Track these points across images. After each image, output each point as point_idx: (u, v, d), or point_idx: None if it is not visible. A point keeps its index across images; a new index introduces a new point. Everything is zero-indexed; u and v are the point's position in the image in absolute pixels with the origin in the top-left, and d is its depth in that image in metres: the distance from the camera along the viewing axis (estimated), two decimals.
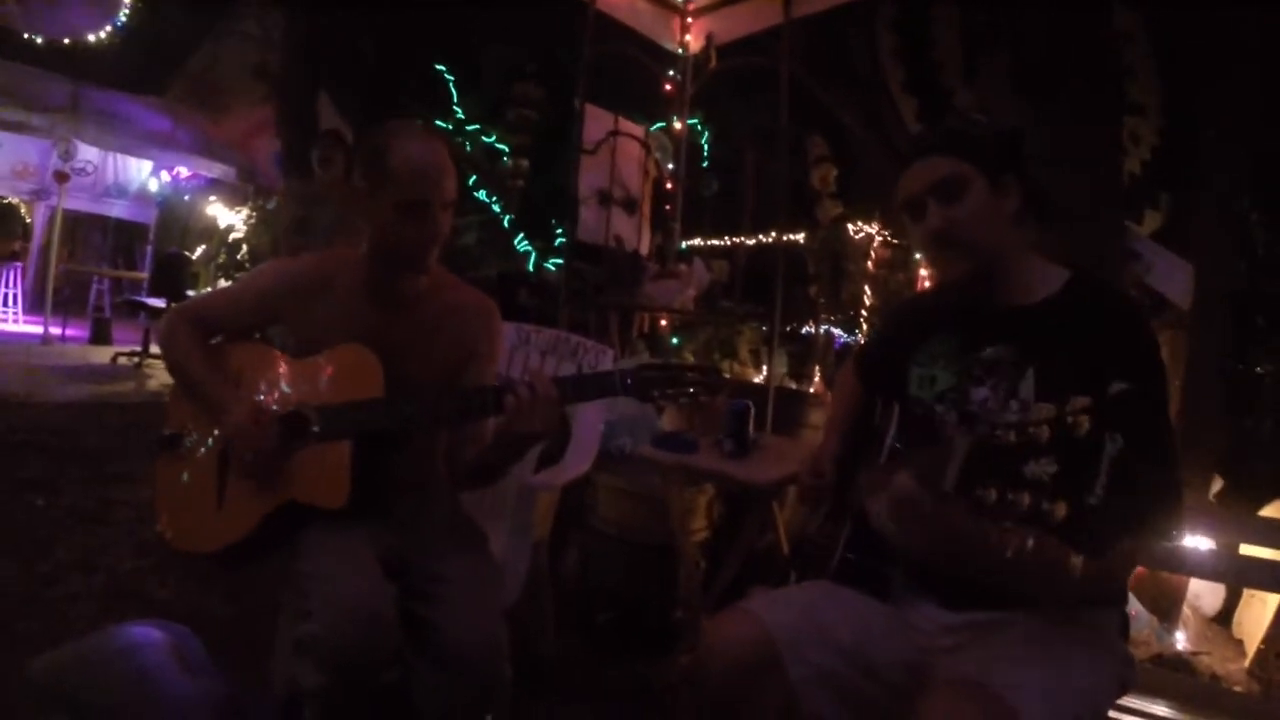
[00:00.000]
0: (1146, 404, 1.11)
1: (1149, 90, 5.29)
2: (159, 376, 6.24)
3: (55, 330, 8.16)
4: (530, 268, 5.52)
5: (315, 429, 1.44)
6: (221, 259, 8.76)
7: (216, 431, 1.52)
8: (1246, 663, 2.69)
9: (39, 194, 9.26)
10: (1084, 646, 1.11)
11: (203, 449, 1.54)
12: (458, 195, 1.51)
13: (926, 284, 5.11)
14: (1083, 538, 0.83)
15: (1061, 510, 0.78)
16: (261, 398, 1.52)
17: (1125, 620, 1.24)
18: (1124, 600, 1.25)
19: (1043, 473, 0.80)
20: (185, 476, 1.55)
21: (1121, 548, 0.81)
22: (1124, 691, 1.24)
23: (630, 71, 4.07)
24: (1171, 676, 2.04)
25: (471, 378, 1.56)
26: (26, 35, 6.17)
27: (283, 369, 1.53)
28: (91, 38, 6.47)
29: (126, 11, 6.38)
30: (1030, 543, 0.81)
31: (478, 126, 7.43)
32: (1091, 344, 1.13)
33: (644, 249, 4.00)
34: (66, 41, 6.45)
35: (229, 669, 1.81)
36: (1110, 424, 0.79)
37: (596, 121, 3.75)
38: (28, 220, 10.47)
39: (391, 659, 1.33)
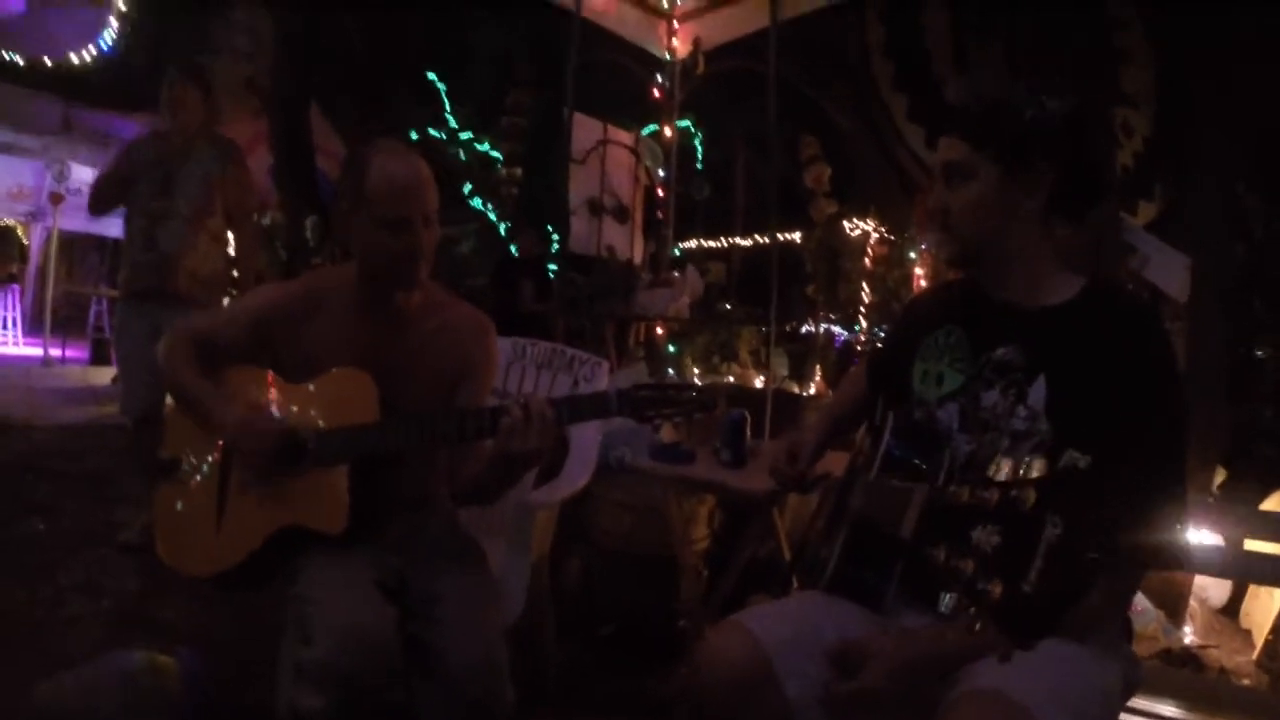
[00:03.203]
0: (1159, 422, 1.08)
1: (1142, 77, 5.27)
2: None
3: (55, 352, 8.17)
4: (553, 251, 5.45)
5: (313, 453, 1.44)
6: None
7: (213, 454, 1.52)
8: (1255, 654, 2.67)
9: (34, 215, 9.27)
10: (1090, 650, 1.09)
11: (201, 473, 1.53)
12: (440, 208, 1.51)
13: (922, 281, 5.10)
14: (1014, 625, 0.85)
15: (997, 590, 0.79)
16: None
17: (1129, 623, 1.23)
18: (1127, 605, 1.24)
19: (987, 542, 0.81)
20: (183, 500, 1.54)
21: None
22: (1131, 693, 1.23)
23: (619, 79, 4.08)
24: (1179, 674, 2.03)
25: (467, 396, 1.56)
26: (8, 56, 6.13)
27: (278, 393, 1.53)
28: (75, 58, 6.43)
29: (113, 33, 6.35)
30: (977, 625, 0.82)
31: (471, 135, 7.45)
32: (1106, 354, 1.10)
33: (637, 257, 4.00)
34: (49, 62, 6.41)
35: (233, 692, 1.81)
36: (1053, 503, 0.79)
37: (585, 130, 3.75)
38: (24, 242, 10.49)
39: (393, 682, 1.32)
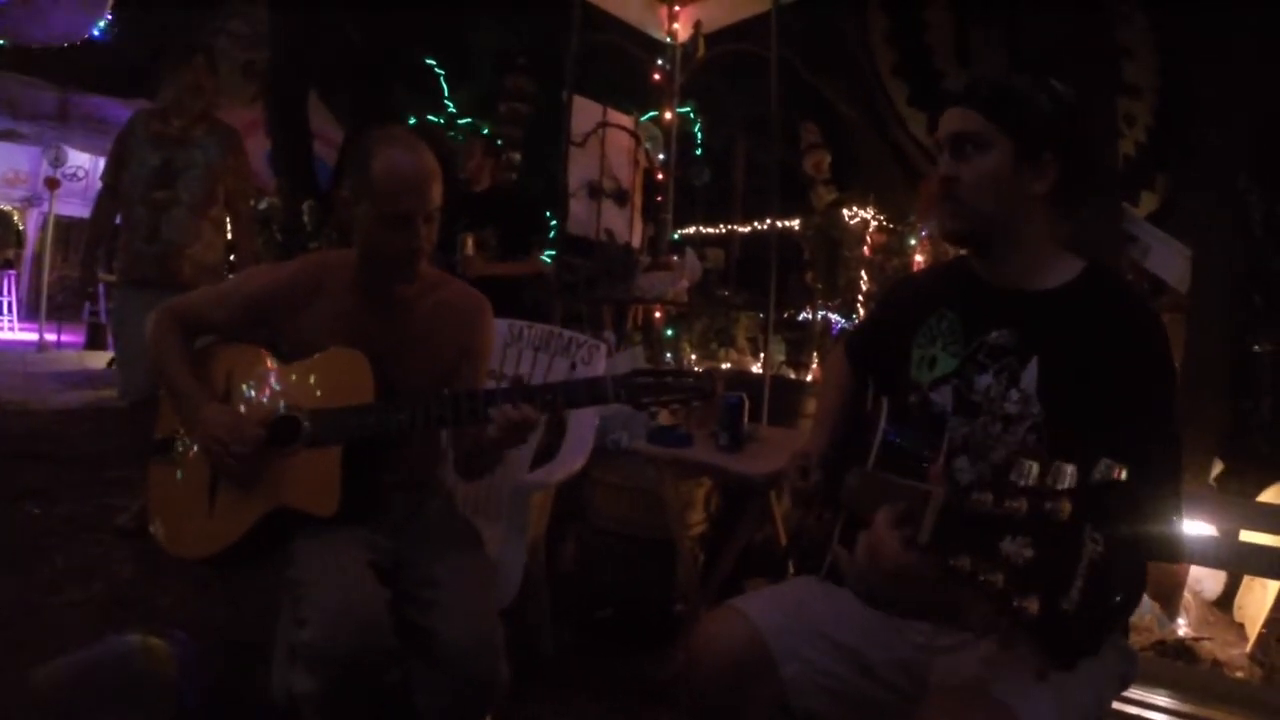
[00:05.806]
0: (1151, 410, 1.07)
1: (1145, 70, 5.26)
2: None
3: (51, 337, 8.15)
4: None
5: (307, 433, 1.43)
6: None
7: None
8: (1248, 647, 2.67)
9: (31, 201, 9.25)
10: None
11: (193, 453, 1.52)
12: (444, 201, 1.50)
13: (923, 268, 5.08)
14: (1053, 645, 0.80)
15: (1034, 607, 0.72)
16: (250, 399, 1.51)
17: None
18: None
19: (1019, 554, 0.74)
20: (177, 481, 1.54)
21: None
22: (1124, 686, 1.23)
23: (619, 62, 4.05)
24: (1172, 665, 2.02)
25: (464, 377, 1.56)
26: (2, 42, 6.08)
27: (273, 372, 1.52)
28: (67, 45, 6.38)
29: (106, 21, 6.28)
30: (1002, 626, 0.77)
31: (470, 120, 7.39)
32: (1100, 341, 1.09)
33: (636, 241, 3.99)
34: (35, 48, 6.35)
35: (228, 675, 1.81)
36: (1092, 517, 0.74)
37: (585, 113, 3.73)
38: (20, 228, 10.44)
39: (387, 664, 1.32)
